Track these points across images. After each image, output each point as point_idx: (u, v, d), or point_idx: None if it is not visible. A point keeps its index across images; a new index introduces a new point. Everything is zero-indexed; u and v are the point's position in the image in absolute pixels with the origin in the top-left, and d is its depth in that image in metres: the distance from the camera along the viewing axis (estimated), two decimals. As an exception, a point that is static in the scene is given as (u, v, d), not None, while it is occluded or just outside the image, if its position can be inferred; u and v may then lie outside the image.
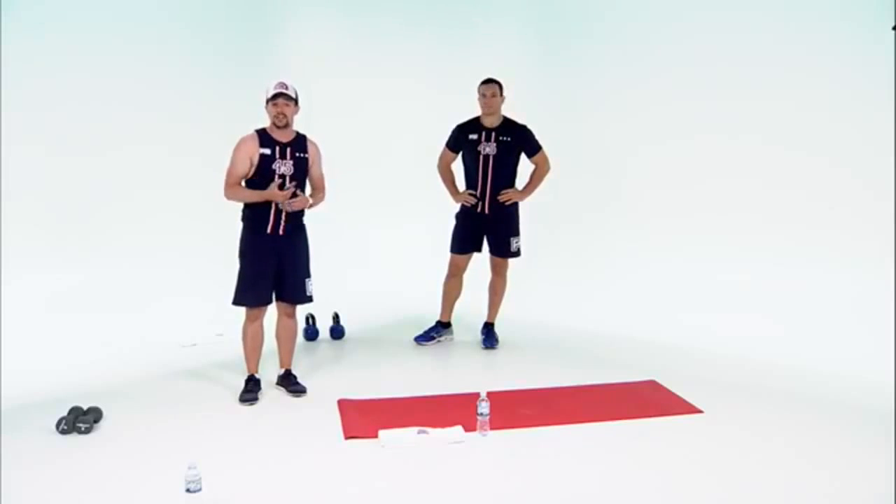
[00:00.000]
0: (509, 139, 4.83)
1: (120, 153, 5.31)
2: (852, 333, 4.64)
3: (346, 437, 3.56)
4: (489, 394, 3.62)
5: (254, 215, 4.00)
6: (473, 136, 4.85)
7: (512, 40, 6.58)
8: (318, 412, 3.89)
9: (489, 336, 5.14)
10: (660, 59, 5.78)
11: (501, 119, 4.86)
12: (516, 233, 5.02)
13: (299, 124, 4.10)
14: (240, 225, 4.06)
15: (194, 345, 4.94)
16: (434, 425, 3.59)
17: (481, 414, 3.57)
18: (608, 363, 4.77)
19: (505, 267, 5.07)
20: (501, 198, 4.89)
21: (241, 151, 3.94)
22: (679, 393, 4.15)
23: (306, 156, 4.06)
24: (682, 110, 5.65)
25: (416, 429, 3.56)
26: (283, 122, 3.97)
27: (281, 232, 4.01)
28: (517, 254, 5.03)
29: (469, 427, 3.58)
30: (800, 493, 3.07)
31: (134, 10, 5.39)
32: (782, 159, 5.22)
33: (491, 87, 4.76)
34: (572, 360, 4.83)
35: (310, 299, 4.23)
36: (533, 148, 4.92)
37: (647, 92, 5.84)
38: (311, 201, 4.13)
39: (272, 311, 4.17)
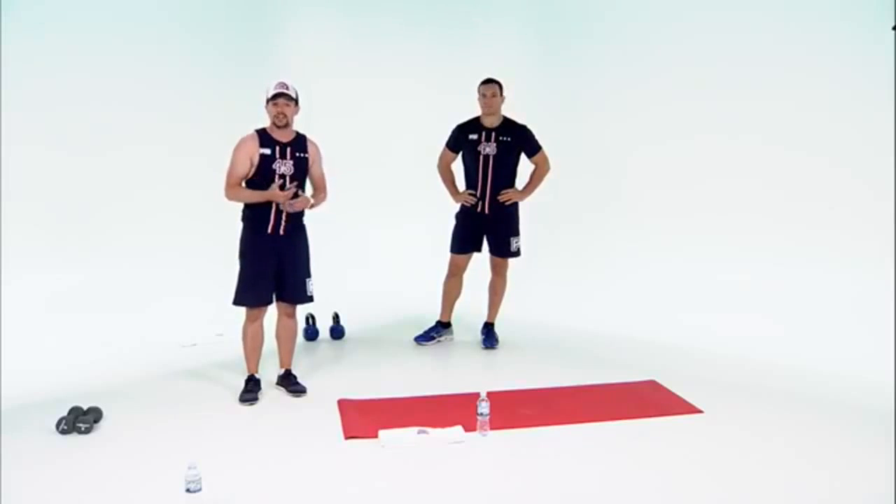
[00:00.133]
0: (509, 139, 4.83)
1: (120, 153, 5.31)
2: (852, 333, 4.64)
3: (346, 437, 3.56)
4: (489, 394, 3.62)
5: (254, 215, 4.00)
6: (473, 136, 4.85)
7: (512, 40, 6.58)
8: (318, 412, 3.89)
9: (489, 336, 5.14)
10: (660, 59, 5.78)
11: (501, 119, 4.86)
12: (516, 233, 5.02)
13: (299, 124, 4.10)
14: (240, 225, 4.06)
15: (194, 345, 4.94)
16: (434, 425, 3.59)
17: (481, 414, 3.57)
18: (608, 363, 4.77)
19: (505, 267, 5.07)
20: (501, 198, 4.89)
21: (241, 152, 3.94)
22: (679, 393, 4.15)
23: (306, 156, 4.06)
24: (682, 110, 5.65)
25: (416, 429, 3.56)
26: (283, 122, 3.96)
27: (281, 232, 4.01)
28: (517, 254, 5.04)
29: (469, 427, 3.58)
30: (800, 493, 3.07)
31: (134, 10, 5.39)
32: (782, 159, 5.22)
33: (491, 87, 4.76)
34: (572, 360, 4.84)
35: (310, 299, 4.23)
36: (533, 148, 4.92)
37: (647, 92, 5.84)
38: (312, 201, 4.13)
39: (272, 311, 4.17)
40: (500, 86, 4.80)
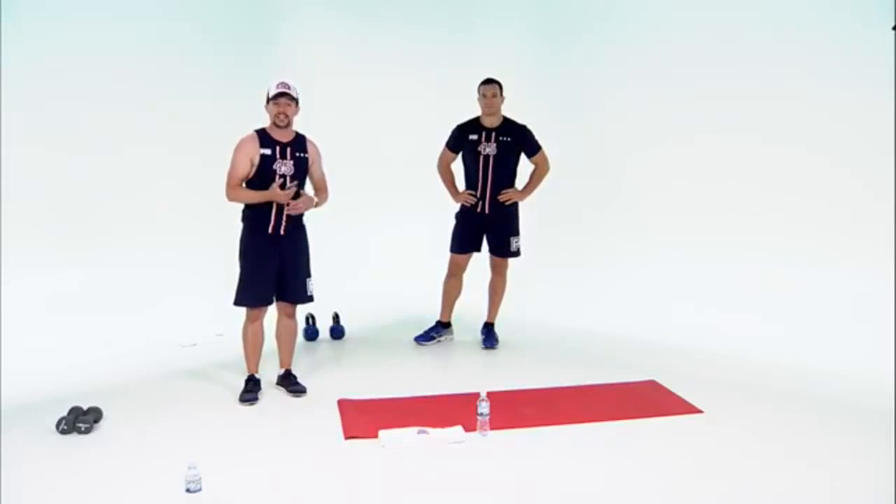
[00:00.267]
0: (509, 139, 4.84)
1: (120, 153, 5.30)
2: (852, 333, 4.64)
3: (346, 437, 3.56)
4: (489, 394, 3.62)
5: (254, 215, 4.00)
6: (473, 137, 4.85)
7: (512, 40, 6.58)
8: (318, 412, 3.89)
9: (489, 336, 5.14)
10: (660, 59, 5.78)
11: (501, 119, 4.86)
12: (516, 232, 5.02)
13: (299, 124, 4.10)
14: (240, 225, 4.06)
15: (194, 345, 4.94)
16: (434, 425, 3.60)
17: (481, 414, 3.57)
18: (608, 363, 4.77)
19: (505, 267, 5.07)
20: (501, 198, 4.90)
21: (241, 152, 3.94)
22: (679, 393, 4.15)
23: (306, 156, 4.06)
24: (682, 110, 5.65)
25: (416, 429, 3.56)
26: (284, 122, 3.97)
27: (282, 232, 4.01)
28: (517, 253, 5.04)
29: (469, 427, 3.59)
30: (800, 493, 3.07)
31: (134, 10, 5.38)
32: (782, 159, 5.22)
33: (491, 88, 4.77)
34: (572, 360, 4.84)
35: (310, 299, 4.23)
36: (533, 148, 4.93)
37: (647, 92, 5.84)
38: (316, 200, 4.13)
39: (272, 311, 4.17)
40: (501, 86, 4.80)
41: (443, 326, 5.21)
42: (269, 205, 3.96)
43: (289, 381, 4.21)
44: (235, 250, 4.07)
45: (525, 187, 4.99)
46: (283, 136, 4.00)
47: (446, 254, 5.09)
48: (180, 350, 4.85)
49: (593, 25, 6.18)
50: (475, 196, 4.92)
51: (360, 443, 3.51)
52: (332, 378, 4.47)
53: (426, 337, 5.16)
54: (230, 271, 4.08)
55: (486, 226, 4.99)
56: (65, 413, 3.59)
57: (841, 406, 3.96)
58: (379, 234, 6.51)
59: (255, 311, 4.07)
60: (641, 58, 5.88)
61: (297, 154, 4.02)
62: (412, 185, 6.06)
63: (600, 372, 4.54)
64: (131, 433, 3.60)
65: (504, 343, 5.13)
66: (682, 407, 3.98)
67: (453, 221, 5.07)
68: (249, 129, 4.01)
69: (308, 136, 4.13)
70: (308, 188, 4.17)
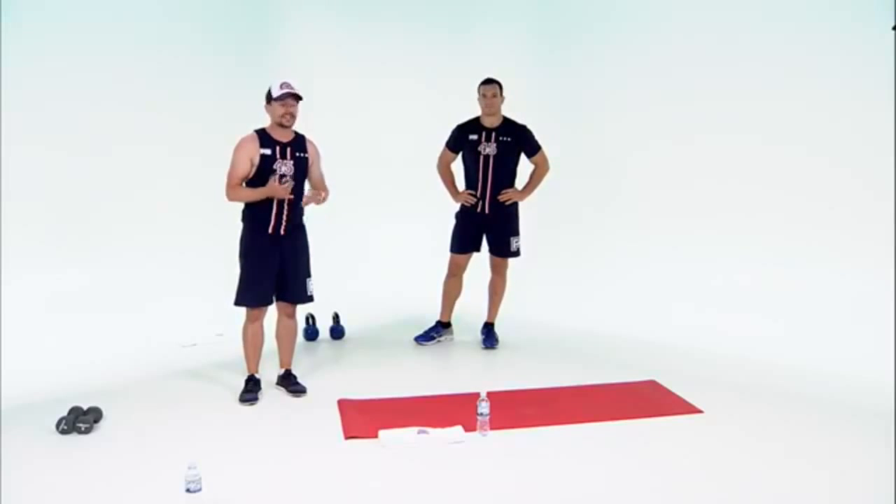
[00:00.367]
0: (509, 139, 4.84)
1: (120, 153, 5.30)
2: (852, 333, 4.64)
3: (346, 437, 3.56)
4: (489, 394, 3.62)
5: (255, 215, 4.00)
6: (474, 137, 4.85)
7: (512, 40, 6.58)
8: (318, 412, 3.89)
9: (489, 336, 5.14)
10: (660, 59, 5.78)
11: (501, 119, 4.86)
12: (516, 232, 5.02)
13: (299, 124, 4.10)
14: (240, 225, 4.06)
15: (194, 345, 4.94)
16: (434, 425, 3.59)
17: (481, 414, 3.57)
18: (608, 363, 4.77)
19: (505, 267, 5.07)
20: (501, 197, 4.90)
21: (241, 152, 3.94)
22: (679, 393, 4.15)
23: (306, 155, 4.06)
24: (683, 110, 5.65)
25: (416, 429, 3.56)
26: (290, 123, 3.97)
27: (282, 232, 4.01)
28: (517, 253, 5.04)
29: (469, 427, 3.58)
30: (800, 493, 3.07)
31: (134, 10, 5.38)
32: (782, 159, 5.22)
33: (491, 88, 4.77)
34: (572, 360, 4.83)
35: (311, 299, 4.23)
36: (533, 148, 4.93)
37: (647, 92, 5.84)
38: (323, 194, 4.11)
39: (272, 312, 4.17)
40: (501, 86, 4.80)
41: (443, 326, 5.21)
42: (269, 204, 3.96)
43: (289, 381, 4.21)
44: (235, 250, 4.07)
45: (525, 187, 4.99)
46: (283, 136, 4.00)
47: (446, 254, 5.09)
48: (180, 350, 4.86)
49: (593, 25, 6.18)
50: (475, 196, 4.92)
51: (360, 443, 3.51)
52: (332, 378, 4.47)
53: (426, 337, 5.16)
54: (230, 271, 4.08)
55: (486, 226, 4.99)
56: (65, 413, 3.59)
57: (841, 406, 3.96)
58: (379, 235, 6.51)
59: (256, 312, 4.07)
60: (641, 58, 5.88)
61: (297, 154, 4.02)
62: (412, 185, 6.06)
63: (600, 372, 4.54)
64: (131, 433, 3.60)
65: (504, 343, 5.13)
66: (682, 407, 3.98)
67: (453, 221, 5.07)
68: (249, 129, 4.01)
69: (307, 135, 4.12)
70: (307, 188, 4.17)
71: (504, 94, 4.82)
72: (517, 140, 4.87)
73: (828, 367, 4.46)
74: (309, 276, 4.19)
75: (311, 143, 4.14)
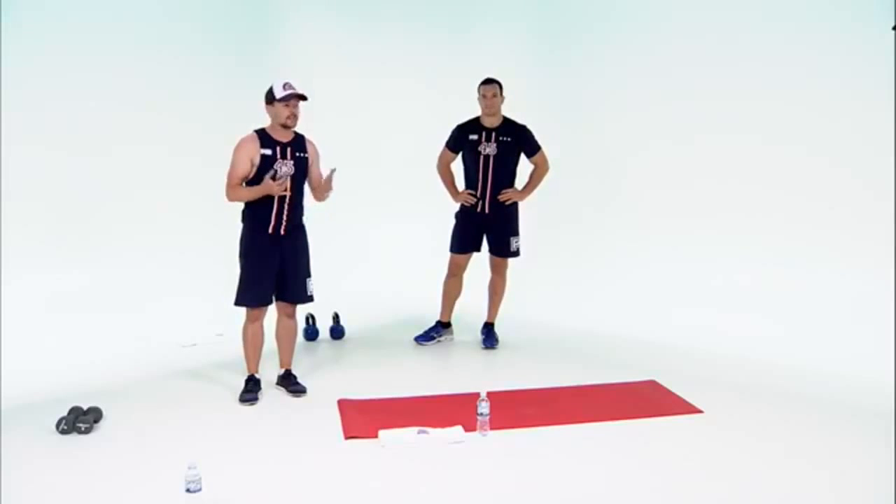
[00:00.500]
0: (510, 139, 4.84)
1: (120, 153, 5.31)
2: (852, 333, 4.64)
3: (346, 437, 3.56)
4: (489, 394, 3.62)
5: (255, 215, 4.00)
6: (474, 137, 4.85)
7: (512, 40, 6.58)
8: (318, 412, 3.89)
9: (489, 336, 5.14)
10: (660, 59, 5.78)
11: (501, 119, 4.86)
12: (516, 232, 5.02)
13: (299, 124, 4.09)
14: (240, 225, 4.06)
15: (194, 345, 4.94)
16: (434, 425, 3.59)
17: (481, 414, 3.57)
18: (608, 363, 4.77)
19: (504, 266, 5.07)
20: (501, 197, 4.90)
21: (241, 152, 3.94)
22: (679, 393, 4.15)
23: (306, 155, 4.07)
24: (682, 110, 5.65)
25: (416, 429, 3.56)
26: (294, 124, 3.97)
27: (282, 232, 4.01)
28: (517, 253, 5.04)
29: (469, 427, 3.58)
30: (800, 493, 3.07)
31: (134, 10, 5.39)
32: (782, 159, 5.22)
33: (491, 88, 4.76)
34: (572, 360, 4.83)
35: (311, 299, 4.23)
36: (533, 148, 4.93)
37: (647, 92, 5.84)
38: (331, 185, 4.10)
39: (272, 312, 4.17)
40: (500, 86, 4.80)
41: (443, 326, 5.21)
42: (269, 205, 3.96)
43: (289, 381, 4.21)
44: (235, 250, 4.07)
45: (525, 187, 4.99)
46: (284, 137, 4.00)
47: (446, 254, 5.09)
48: (180, 350, 4.86)
49: (593, 25, 6.18)
50: (475, 196, 4.92)
51: (360, 443, 3.51)
52: (332, 378, 4.47)
53: (426, 337, 5.16)
54: (230, 271, 4.08)
55: (486, 226, 4.99)
56: (65, 413, 3.59)
57: (841, 406, 3.96)
58: (379, 235, 6.51)
59: (256, 312, 4.07)
60: (641, 58, 5.88)
61: (298, 154, 4.02)
62: (412, 185, 6.06)
63: (600, 372, 4.53)
64: (131, 433, 3.60)
65: (504, 343, 5.13)
66: (682, 407, 3.98)
67: (453, 221, 5.07)
68: (249, 129, 4.01)
69: (307, 135, 4.12)
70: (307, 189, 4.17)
71: (504, 94, 4.82)
72: (517, 140, 4.87)
73: (828, 367, 4.46)
74: (309, 276, 4.19)
75: (311, 142, 4.14)
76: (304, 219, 4.18)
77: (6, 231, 4.76)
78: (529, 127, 4.92)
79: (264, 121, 4.03)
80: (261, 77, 4.41)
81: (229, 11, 5.96)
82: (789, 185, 5.21)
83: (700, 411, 3.91)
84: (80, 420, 3.54)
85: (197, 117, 5.60)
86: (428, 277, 5.35)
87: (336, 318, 5.33)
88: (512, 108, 4.90)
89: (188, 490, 2.82)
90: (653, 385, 4.33)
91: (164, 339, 4.95)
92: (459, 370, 4.85)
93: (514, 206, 4.99)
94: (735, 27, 5.40)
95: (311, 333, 5.24)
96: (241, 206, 4.03)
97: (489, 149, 4.83)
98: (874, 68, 4.73)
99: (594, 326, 5.39)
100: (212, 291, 4.77)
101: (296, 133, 4.06)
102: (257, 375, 4.14)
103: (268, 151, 3.94)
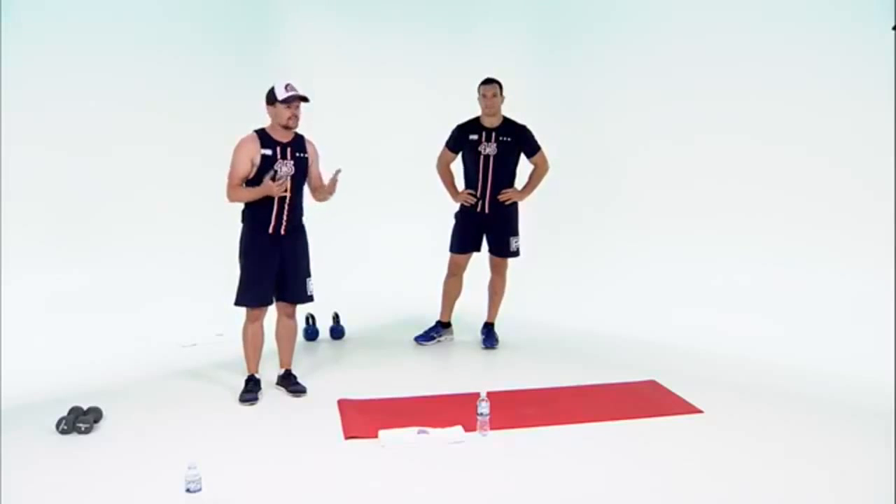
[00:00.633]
0: (510, 139, 4.84)
1: (120, 153, 5.31)
2: (852, 333, 4.64)
3: (346, 437, 3.56)
4: (489, 394, 3.62)
5: (255, 215, 4.00)
6: (474, 137, 4.85)
7: (512, 40, 6.58)
8: (318, 412, 3.89)
9: (489, 336, 5.14)
10: (660, 59, 5.78)
11: (501, 119, 4.86)
12: (515, 232, 5.02)
13: (299, 125, 4.09)
14: (240, 225, 4.06)
15: (194, 345, 4.94)
16: (434, 425, 3.59)
17: (481, 414, 3.57)
18: (608, 363, 4.77)
19: (504, 266, 5.07)
20: (501, 197, 4.90)
21: (242, 152, 3.93)
22: (679, 393, 4.15)
23: (306, 156, 4.07)
24: (682, 110, 5.65)
25: (416, 429, 3.56)
26: (296, 125, 3.97)
27: (282, 232, 4.01)
28: (516, 253, 5.04)
29: (469, 427, 3.58)
30: (800, 493, 3.07)
31: (134, 10, 5.39)
32: (782, 159, 5.22)
33: (491, 88, 4.76)
34: (572, 360, 4.83)
35: (311, 299, 4.23)
36: (532, 148, 4.93)
37: (647, 92, 5.84)
38: (335, 189, 4.09)
39: (272, 312, 4.17)
40: (500, 86, 4.80)
41: (443, 326, 5.21)
42: (269, 205, 3.96)
43: (289, 381, 4.21)
44: (235, 250, 4.07)
45: (524, 187, 4.99)
46: (284, 137, 4.00)
47: (446, 254, 5.09)
48: (180, 350, 4.85)
49: (593, 25, 6.18)
50: (475, 196, 4.92)
51: (360, 443, 3.51)
52: (332, 378, 4.47)
53: (426, 337, 5.16)
54: (230, 271, 4.08)
55: (486, 226, 4.99)
56: (65, 413, 3.59)
57: (841, 406, 3.96)
58: (379, 235, 6.51)
59: (256, 312, 4.07)
60: (641, 58, 5.88)
61: (298, 154, 4.02)
62: (412, 185, 6.06)
63: (600, 372, 4.53)
64: (131, 433, 3.60)
65: (504, 343, 5.13)
66: (682, 407, 3.98)
67: (453, 221, 5.07)
68: (249, 130, 4.01)
69: (306, 135, 4.12)
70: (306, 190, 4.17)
71: (504, 94, 4.82)
72: (517, 140, 4.87)
73: (828, 367, 4.46)
74: (309, 276, 4.19)
75: (311, 143, 4.14)
76: (304, 219, 4.18)
77: (6, 231, 4.76)
78: (529, 127, 4.92)
79: (264, 121, 4.03)
80: (261, 77, 4.42)
81: (229, 11, 5.96)
82: (789, 185, 5.21)
83: (700, 411, 3.91)
84: (80, 420, 3.54)
85: (197, 117, 5.60)
86: (428, 277, 5.35)
87: (336, 318, 5.33)
88: (512, 108, 4.90)
89: (188, 490, 2.82)
90: (653, 385, 4.33)
91: (164, 339, 4.95)
92: (459, 370, 4.85)
93: (514, 206, 4.99)
94: (735, 27, 5.40)
95: (311, 333, 5.24)
96: (241, 206, 4.03)
97: (489, 149, 4.83)
98: (874, 68, 4.73)
99: (594, 326, 5.39)
100: (212, 291, 4.77)
101: (296, 133, 4.06)
102: (257, 375, 4.14)
103: (268, 151, 3.94)
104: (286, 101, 3.90)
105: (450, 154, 5.00)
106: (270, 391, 4.18)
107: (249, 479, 3.14)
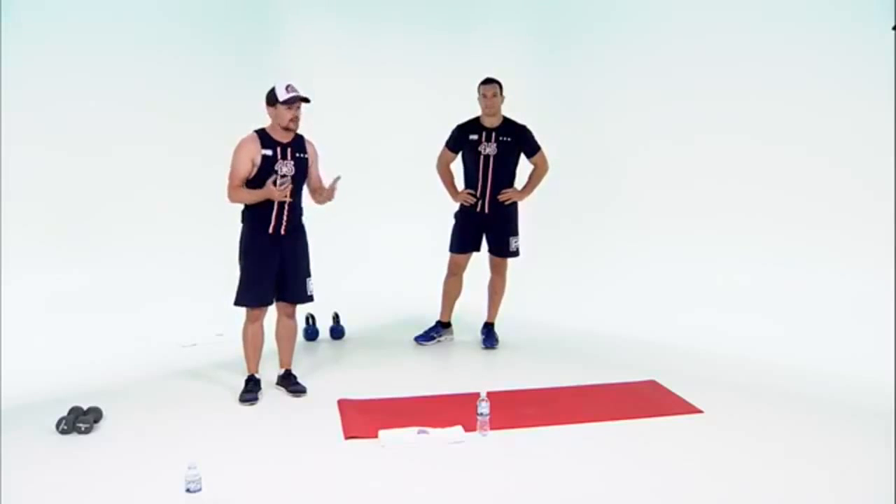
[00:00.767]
0: (510, 139, 4.84)
1: (120, 153, 5.31)
2: (852, 333, 4.64)
3: (346, 437, 3.56)
4: (489, 394, 3.62)
5: (255, 215, 4.00)
6: (474, 137, 4.85)
7: (512, 40, 6.57)
8: (318, 412, 3.89)
9: (489, 336, 5.14)
10: (660, 59, 5.78)
11: (501, 119, 4.86)
12: (515, 232, 5.02)
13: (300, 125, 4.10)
14: (240, 225, 4.06)
15: (194, 345, 4.94)
16: (434, 425, 3.59)
17: (481, 414, 3.57)
18: (608, 363, 4.77)
19: (504, 266, 5.07)
20: (501, 197, 4.90)
21: (242, 152, 3.93)
22: (679, 393, 4.15)
23: (306, 156, 4.06)
24: (682, 110, 5.65)
25: (416, 429, 3.56)
26: (296, 127, 3.97)
27: (282, 232, 4.01)
28: (516, 253, 5.04)
29: (469, 427, 3.58)
30: (800, 493, 3.07)
31: (134, 11, 5.39)
32: (782, 159, 5.22)
33: (491, 87, 4.76)
34: (572, 360, 4.83)
35: (311, 299, 4.23)
36: (532, 148, 4.93)
37: (647, 92, 5.84)
38: (334, 195, 4.09)
39: (272, 312, 4.17)
40: (500, 86, 4.80)
41: (443, 326, 5.21)
42: (269, 205, 3.95)
43: (289, 381, 4.21)
44: (235, 250, 4.07)
45: (524, 187, 4.99)
46: (284, 137, 4.00)
47: (446, 254, 5.09)
48: (180, 350, 4.85)
49: (593, 25, 6.18)
50: (474, 195, 4.92)
51: (360, 443, 3.51)
52: (332, 378, 4.47)
53: (426, 337, 5.16)
54: (230, 271, 4.08)
55: (486, 225, 4.99)
56: (65, 413, 3.59)
57: (841, 406, 3.96)
58: (379, 235, 6.51)
59: (256, 312, 4.07)
60: (641, 58, 5.88)
61: (298, 154, 4.02)
62: (412, 185, 6.06)
63: (600, 372, 4.53)
64: (131, 433, 3.60)
65: (504, 343, 5.13)
66: (682, 407, 3.98)
67: (453, 221, 5.07)
68: (249, 130, 4.01)
69: (306, 136, 4.12)
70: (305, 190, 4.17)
71: (504, 93, 4.82)
72: (517, 140, 4.87)
73: (828, 367, 4.46)
74: (309, 276, 4.19)
75: (310, 143, 4.14)
76: (304, 219, 4.18)
77: (6, 231, 4.76)
78: (529, 127, 4.92)
79: (264, 121, 4.02)
80: (261, 77, 4.42)
81: (229, 12, 5.96)
82: (789, 185, 5.21)
83: (700, 411, 3.91)
84: (80, 420, 3.54)
85: (197, 117, 5.60)
86: (428, 277, 5.35)
87: (336, 318, 5.33)
88: (512, 108, 4.90)
89: (188, 490, 2.82)
90: (653, 385, 4.33)
91: (164, 339, 4.95)
92: (459, 370, 4.85)
93: (514, 205, 4.99)
94: (735, 27, 5.40)
95: (311, 333, 5.24)
96: (241, 206, 4.03)
97: (489, 149, 4.83)
98: (874, 68, 4.73)
99: (594, 326, 5.39)
100: (212, 291, 4.77)
101: (296, 133, 4.06)
102: (257, 375, 4.14)
103: (268, 152, 3.94)
104: (287, 102, 3.90)
105: (450, 154, 5.00)
106: (270, 391, 4.18)
107: (249, 479, 3.14)
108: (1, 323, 4.54)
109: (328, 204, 4.20)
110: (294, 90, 3.91)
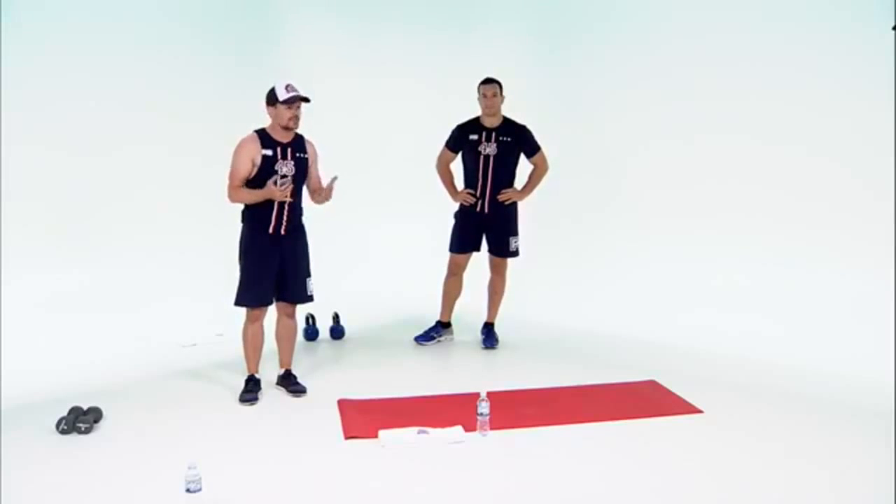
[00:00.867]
0: (510, 139, 4.84)
1: (120, 153, 5.31)
2: (852, 333, 4.64)
3: (346, 437, 3.56)
4: (489, 394, 3.62)
5: (255, 215, 4.00)
6: (474, 137, 4.85)
7: (512, 40, 6.58)
8: (318, 412, 3.89)
9: (489, 336, 5.14)
10: (660, 59, 5.78)
11: (501, 119, 4.86)
12: (515, 232, 5.02)
13: (299, 125, 4.09)
14: (240, 225, 4.06)
15: (194, 345, 4.94)
16: (434, 425, 3.59)
17: (481, 414, 3.57)
18: (608, 363, 4.77)
19: (504, 266, 5.07)
20: (501, 197, 4.90)
21: (243, 152, 3.93)
22: (679, 393, 4.15)
23: (306, 156, 4.07)
24: (682, 110, 5.65)
25: (416, 429, 3.56)
26: (296, 126, 3.97)
27: (282, 232, 4.01)
28: (516, 253, 5.04)
29: (469, 427, 3.58)
30: (800, 493, 3.07)
31: (134, 11, 5.39)
32: (782, 159, 5.22)
33: (491, 87, 4.76)
34: (572, 360, 4.83)
35: (311, 298, 4.23)
36: (532, 148, 4.93)
37: (647, 92, 5.84)
38: (331, 195, 4.10)
39: (272, 312, 4.17)
40: (500, 86, 4.80)
41: (443, 326, 5.21)
42: (269, 205, 3.95)
43: (289, 381, 4.21)
44: (235, 250, 4.07)
45: (524, 187, 4.99)
46: (284, 137, 4.00)
47: (446, 254, 5.09)
48: (180, 350, 4.85)
49: (593, 25, 6.18)
50: (474, 195, 4.92)
51: (360, 443, 3.51)
52: (332, 378, 4.47)
53: (426, 337, 5.16)
54: (230, 271, 4.08)
55: (486, 225, 4.99)
56: (65, 413, 3.59)
57: (841, 406, 3.96)
58: (379, 235, 6.51)
59: (256, 312, 4.07)
60: (641, 58, 5.88)
61: (298, 154, 4.02)
62: (412, 185, 6.06)
63: (600, 372, 4.53)
64: (131, 433, 3.60)
65: (504, 343, 5.13)
66: (682, 407, 3.98)
67: (453, 221, 5.07)
68: (249, 130, 4.01)
69: (306, 136, 4.12)
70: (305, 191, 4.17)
71: (504, 93, 4.82)
72: (517, 140, 4.87)
73: (828, 367, 4.46)
74: (309, 275, 4.19)
75: (310, 143, 4.14)
76: (304, 219, 4.18)
77: (6, 231, 4.76)
78: (529, 127, 4.92)
79: (264, 121, 4.02)
80: (261, 77, 4.41)
81: (229, 12, 5.96)
82: (789, 185, 5.21)
83: (700, 411, 3.91)
84: (80, 420, 3.54)
85: (197, 117, 5.60)
86: (428, 277, 5.34)
87: (336, 318, 5.33)
88: (512, 108, 4.90)
89: (188, 490, 2.82)
90: (653, 385, 4.33)
91: (164, 339, 4.95)
92: (459, 370, 4.85)
93: (514, 205, 4.99)
94: (735, 27, 5.40)
95: (311, 333, 5.24)
96: (241, 206, 4.03)
97: (489, 149, 4.83)
98: (874, 68, 4.73)
99: (594, 326, 5.39)
100: (212, 291, 4.77)
101: (296, 133, 4.06)
102: (257, 375, 4.14)
103: (269, 152, 3.94)
104: (287, 101, 3.90)
105: (450, 154, 5.00)
106: (270, 391, 4.18)
107: (249, 479, 3.14)
108: (1, 323, 4.54)
109: (327, 204, 4.19)
110: (294, 90, 3.91)
